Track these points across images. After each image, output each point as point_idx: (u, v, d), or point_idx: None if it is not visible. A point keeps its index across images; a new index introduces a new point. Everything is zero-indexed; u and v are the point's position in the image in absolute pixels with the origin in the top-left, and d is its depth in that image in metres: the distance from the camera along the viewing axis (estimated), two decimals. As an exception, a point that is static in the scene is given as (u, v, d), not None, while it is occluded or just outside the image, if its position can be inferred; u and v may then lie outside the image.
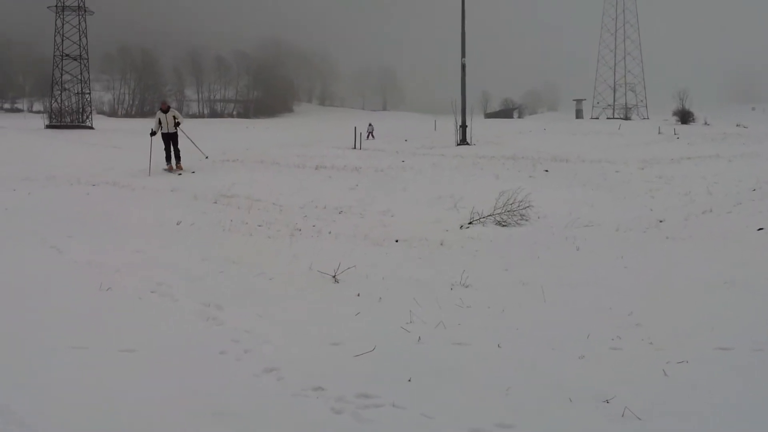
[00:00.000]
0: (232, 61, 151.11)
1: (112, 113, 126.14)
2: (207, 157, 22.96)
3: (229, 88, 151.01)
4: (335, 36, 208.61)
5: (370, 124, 52.59)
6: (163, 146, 21.59)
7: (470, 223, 13.75)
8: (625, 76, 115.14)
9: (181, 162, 21.73)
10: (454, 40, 45.24)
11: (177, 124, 21.74)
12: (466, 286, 8.51)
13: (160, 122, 21.57)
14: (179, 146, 21.84)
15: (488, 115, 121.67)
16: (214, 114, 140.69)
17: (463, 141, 40.29)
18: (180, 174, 20.66)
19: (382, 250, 11.18)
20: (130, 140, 38.92)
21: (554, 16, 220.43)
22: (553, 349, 6.12)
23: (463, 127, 41.17)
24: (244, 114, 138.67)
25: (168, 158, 21.55)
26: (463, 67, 42.12)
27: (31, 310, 6.94)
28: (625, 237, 12.89)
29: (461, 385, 5.24)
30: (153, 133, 21.67)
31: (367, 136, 48.03)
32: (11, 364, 5.42)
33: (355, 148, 35.47)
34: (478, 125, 48.17)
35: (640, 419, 4.66)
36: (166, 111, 21.87)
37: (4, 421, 4.46)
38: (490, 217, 13.89)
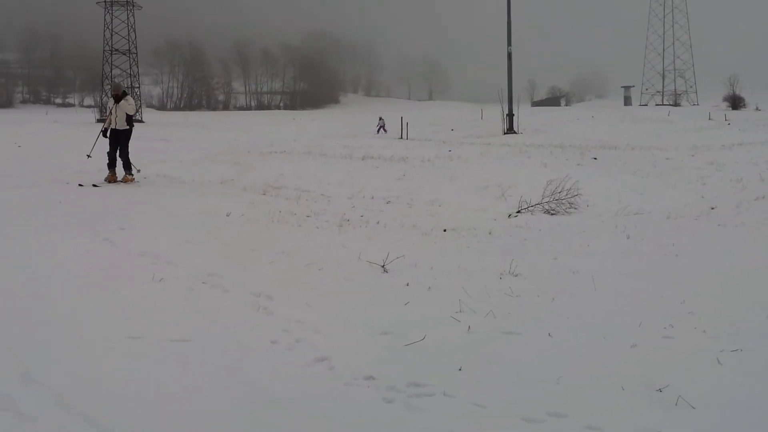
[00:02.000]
0: (278, 53, 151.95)
1: (161, 106, 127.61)
2: (138, 171, 16.85)
3: (276, 80, 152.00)
4: (380, 26, 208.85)
5: (380, 118, 51.92)
6: (108, 148, 16.23)
7: (518, 211, 13.70)
8: (674, 62, 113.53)
9: (131, 172, 16.44)
10: (500, 28, 45.01)
11: (129, 119, 16.37)
12: (515, 275, 8.47)
13: (110, 113, 16.45)
14: (128, 149, 16.37)
15: (535, 104, 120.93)
16: (261, 106, 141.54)
17: (510, 130, 40.14)
18: (123, 182, 16.12)
19: (430, 240, 11.18)
20: (179, 133, 39.35)
21: (601, 1, 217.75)
22: (605, 337, 6.07)
23: (510, 115, 41.01)
24: (291, 106, 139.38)
25: (111, 164, 16.20)
26: (510, 55, 41.93)
27: (87, 301, 7.06)
28: (676, 224, 12.74)
29: (512, 374, 5.21)
30: (105, 132, 16.37)
31: (378, 131, 47.62)
32: (68, 354, 5.51)
33: (401, 138, 35.48)
34: (524, 114, 47.89)
35: (694, 408, 4.61)
36: (118, 99, 16.22)
37: (62, 410, 4.54)
38: (538, 205, 13.82)
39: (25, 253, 9.08)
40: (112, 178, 16.12)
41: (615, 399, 4.81)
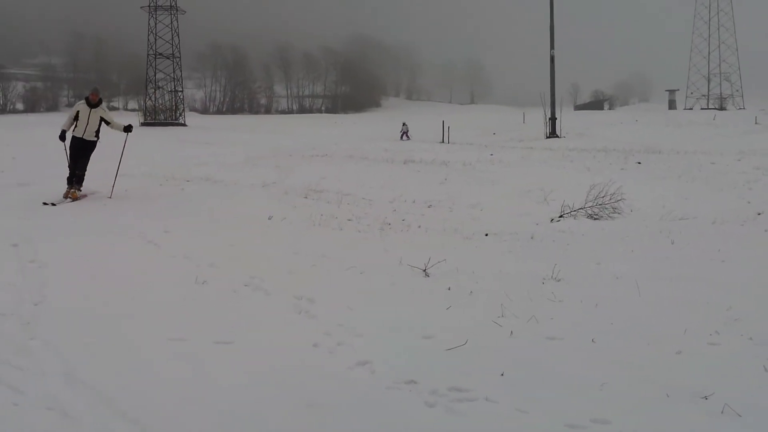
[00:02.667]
0: (320, 57, 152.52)
1: (204, 110, 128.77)
2: (109, 196, 14.38)
3: (317, 83, 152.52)
4: (422, 29, 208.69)
5: (404, 124, 51.46)
6: (69, 159, 14.41)
7: (561, 216, 13.59)
8: (719, 66, 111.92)
9: (80, 187, 14.40)
10: (542, 31, 44.78)
11: (98, 132, 14.55)
12: (558, 280, 8.41)
13: (77, 119, 14.29)
14: (86, 164, 14.51)
15: (578, 107, 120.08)
16: (302, 110, 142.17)
17: (553, 133, 39.96)
18: (69, 201, 13.87)
19: (472, 244, 11.14)
20: (221, 136, 39.67)
21: (645, 4, 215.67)
22: (649, 344, 6.00)
23: (553, 119, 40.83)
24: (332, 109, 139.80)
25: (71, 178, 14.32)
26: (552, 59, 41.75)
27: (131, 303, 7.15)
28: (722, 230, 12.55)
29: (555, 379, 5.17)
30: (62, 136, 14.26)
31: (401, 137, 47.32)
32: (112, 355, 5.59)
33: (442, 142, 35.46)
34: (567, 117, 47.56)
35: (740, 416, 4.54)
36: (94, 105, 14.35)
37: (106, 410, 4.60)
38: (581, 210, 13.70)
39: (70, 256, 9.22)
40: (73, 194, 14.02)
41: (660, 406, 4.76)
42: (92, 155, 14.60)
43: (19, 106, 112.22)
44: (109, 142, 14.90)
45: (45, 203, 13.16)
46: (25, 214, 12.83)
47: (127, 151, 15.50)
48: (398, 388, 5.00)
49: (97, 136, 14.53)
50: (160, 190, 16.03)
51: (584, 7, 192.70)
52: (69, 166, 14.37)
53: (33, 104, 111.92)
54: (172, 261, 8.98)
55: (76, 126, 14.27)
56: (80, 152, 14.34)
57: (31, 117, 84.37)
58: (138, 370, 5.29)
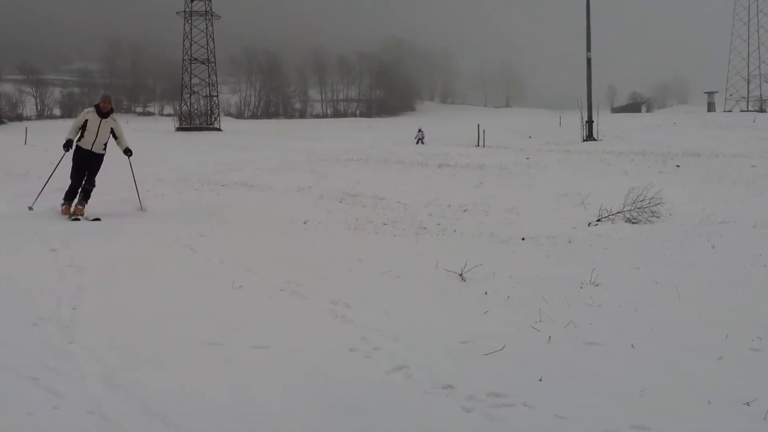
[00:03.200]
0: (354, 61, 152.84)
1: (239, 115, 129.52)
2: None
3: (352, 87, 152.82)
4: (456, 32, 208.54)
5: (420, 130, 50.94)
6: (73, 172, 13.13)
7: (598, 220, 13.47)
8: (759, 67, 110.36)
9: (87, 203, 13.12)
10: (579, 33, 44.55)
11: (105, 146, 13.31)
12: (596, 285, 8.33)
13: (84, 129, 13.00)
14: (95, 178, 13.28)
15: (615, 110, 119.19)
16: (337, 114, 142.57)
17: (590, 137, 39.72)
18: (76, 219, 12.55)
19: (508, 248, 11.07)
20: (256, 141, 39.90)
21: (683, 5, 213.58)
22: (690, 349, 5.91)
23: (590, 122, 40.59)
24: (367, 113, 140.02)
25: (72, 194, 13.10)
26: (589, 61, 41.48)
27: (169, 307, 7.19)
28: (763, 234, 12.37)
29: (594, 385, 5.11)
30: (68, 146, 13.02)
31: (417, 142, 47.07)
32: (151, 359, 5.61)
33: (478, 145, 35.37)
34: (604, 120, 47.26)
35: (784, 423, 4.46)
36: (105, 114, 13.05)
37: (145, 415, 4.61)
38: (619, 214, 13.57)
39: (107, 260, 9.30)
40: (67, 211, 12.92)
41: (701, 412, 4.68)
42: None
43: (57, 111, 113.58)
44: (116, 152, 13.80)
45: (31, 208, 13.09)
46: (63, 219, 12.99)
47: (137, 174, 14.46)
48: (435, 393, 4.97)
49: (105, 148, 13.29)
50: (195, 194, 16.13)
51: (621, 9, 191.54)
52: (71, 180, 13.02)
53: (70, 109, 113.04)
54: (208, 265, 9.02)
55: (82, 136, 12.93)
56: (87, 166, 13.03)
57: (68, 122, 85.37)
58: (175, 374, 5.31)
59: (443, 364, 5.48)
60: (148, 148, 35.21)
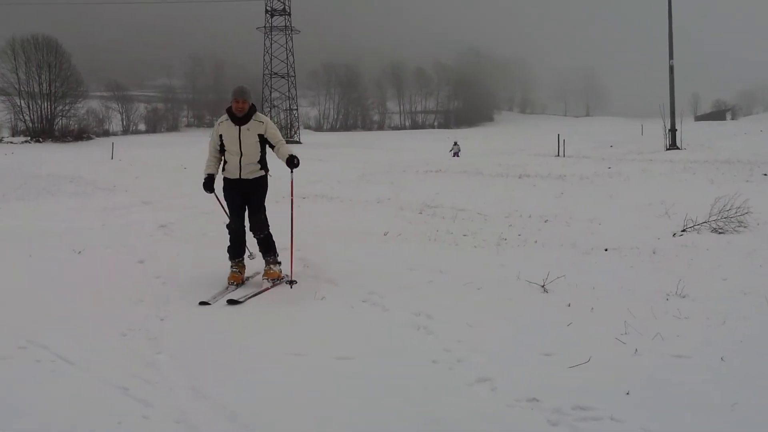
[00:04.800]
0: (432, 72, 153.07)
1: (318, 128, 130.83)
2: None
3: (430, 99, 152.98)
4: (535, 42, 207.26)
5: (455, 143, 50.25)
6: (226, 212, 9.16)
7: (683, 230, 13.16)
8: None
9: (276, 257, 9.14)
10: (661, 40, 43.76)
11: (262, 162, 8.97)
12: (683, 296, 8.14)
13: (221, 150, 8.88)
14: (264, 215, 9.09)
15: (698, 118, 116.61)
16: (414, 125, 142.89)
17: (673, 145, 38.96)
18: (268, 284, 8.78)
19: (590, 259, 10.91)
20: (335, 153, 40.26)
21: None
22: (783, 363, 5.74)
23: (673, 130, 39.80)
24: (445, 124, 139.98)
25: (237, 248, 9.05)
26: (671, 69, 40.71)
27: (254, 319, 7.32)
28: None
29: (683, 399, 4.99)
30: (209, 185, 8.88)
31: (453, 156, 46.43)
32: (235, 370, 5.70)
33: (558, 155, 35.03)
34: (688, 128, 46.25)
35: None
36: (243, 119, 8.73)
37: (231, 425, 4.69)
38: (704, 224, 13.23)
39: (191, 270, 9.51)
40: (238, 278, 8.85)
41: (796, 428, 4.54)
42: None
43: (141, 126, 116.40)
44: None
45: (202, 303, 7.87)
46: (149, 231, 13.31)
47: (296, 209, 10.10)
48: (520, 405, 4.93)
49: (263, 166, 8.97)
50: (275, 207, 16.32)
51: (705, 15, 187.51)
52: (230, 227, 8.95)
53: (154, 125, 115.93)
54: (296, 276, 9.12)
55: (225, 162, 8.81)
56: (244, 199, 8.88)
57: (153, 137, 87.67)
58: (260, 385, 5.38)
59: (527, 377, 5.43)
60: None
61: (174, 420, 4.72)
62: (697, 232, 12.93)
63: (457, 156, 46.61)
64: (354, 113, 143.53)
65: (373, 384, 5.35)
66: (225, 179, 8.88)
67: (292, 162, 8.77)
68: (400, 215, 15.45)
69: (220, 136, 8.76)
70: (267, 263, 9.00)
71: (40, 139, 72.07)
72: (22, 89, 78.02)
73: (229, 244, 8.97)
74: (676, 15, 41.15)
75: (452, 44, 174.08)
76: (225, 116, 8.78)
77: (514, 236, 13.13)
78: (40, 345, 6.26)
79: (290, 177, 9.20)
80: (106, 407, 4.91)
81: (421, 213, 15.93)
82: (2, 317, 7.23)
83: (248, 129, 8.70)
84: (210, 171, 8.81)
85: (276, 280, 8.84)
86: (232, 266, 8.94)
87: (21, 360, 5.89)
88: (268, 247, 8.99)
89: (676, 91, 41.77)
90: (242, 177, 8.78)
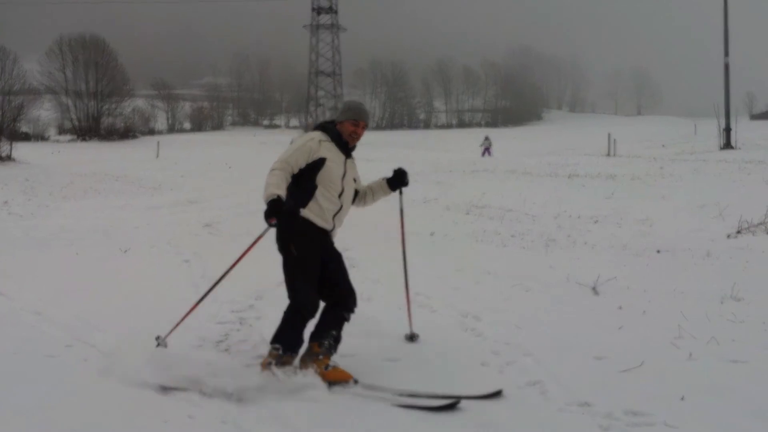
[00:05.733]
0: (480, 70, 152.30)
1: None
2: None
3: (477, 97, 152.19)
4: (585, 39, 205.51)
5: (486, 138, 49.19)
6: (302, 280, 5.58)
7: (738, 232, 12.89)
8: None
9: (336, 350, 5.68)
10: (716, 37, 43.09)
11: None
12: (738, 300, 7.96)
13: (313, 177, 5.66)
14: (350, 286, 5.86)
15: (754, 117, 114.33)
16: (461, 124, 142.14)
17: (727, 145, 38.32)
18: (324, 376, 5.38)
19: (642, 261, 10.74)
20: (381, 152, 40.17)
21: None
22: None
23: (727, 130, 39.14)
24: (492, 123, 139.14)
25: (292, 344, 5.51)
26: (727, 67, 39.99)
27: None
28: None
29: (740, 405, 4.85)
30: (277, 207, 5.24)
31: (483, 153, 45.75)
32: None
33: (608, 155, 34.63)
34: (743, 128, 45.53)
35: None
36: (350, 153, 6.02)
37: (279, 426, 4.66)
38: (760, 225, 12.95)
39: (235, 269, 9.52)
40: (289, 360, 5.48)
41: None
42: None
43: (187, 125, 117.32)
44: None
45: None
46: (194, 230, 13.40)
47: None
48: (571, 410, 4.83)
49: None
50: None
51: (762, 11, 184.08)
52: (305, 301, 5.60)
53: (199, 123, 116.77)
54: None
55: (311, 198, 5.67)
56: (329, 260, 5.81)
57: (198, 136, 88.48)
58: (301, 387, 5.30)
59: (578, 381, 5.33)
60: (275, 161, 35.94)
61: (220, 420, 4.71)
62: (753, 234, 12.66)
63: (489, 153, 46.13)
64: (400, 112, 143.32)
65: (421, 387, 5.28)
66: (308, 223, 5.65)
67: (403, 178, 6.39)
68: (447, 215, 15.38)
69: (323, 160, 5.68)
70: (328, 353, 5.60)
71: (87, 138, 72.93)
72: (69, 88, 78.98)
73: (291, 326, 5.58)
74: (732, 12, 40.48)
75: (501, 42, 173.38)
76: (326, 137, 5.82)
77: (564, 237, 12.99)
78: (87, 343, 6.30)
79: (399, 201, 6.91)
80: (152, 407, 4.90)
81: (467, 213, 15.83)
82: (50, 315, 7.31)
83: (353, 166, 6.10)
84: (278, 191, 5.37)
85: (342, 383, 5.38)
86: (277, 348, 5.50)
87: (68, 358, 5.93)
88: (338, 339, 5.74)
89: (731, 90, 41.07)
90: (333, 229, 5.90)
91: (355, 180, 6.10)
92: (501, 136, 69.21)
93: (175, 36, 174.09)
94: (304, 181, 5.61)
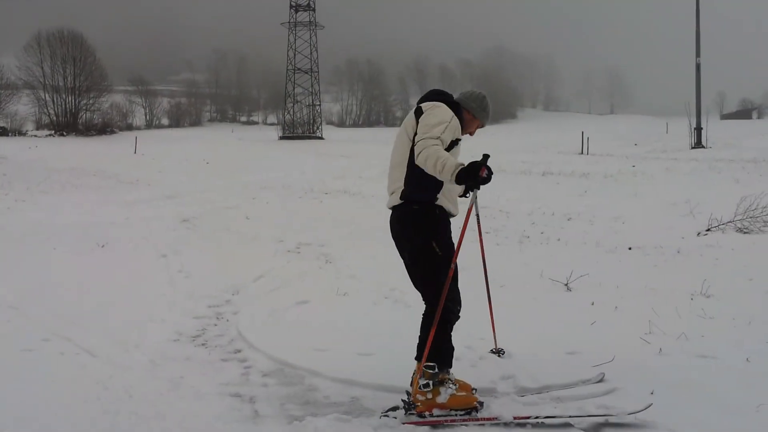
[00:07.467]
0: (455, 69, 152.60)
1: (341, 123, 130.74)
2: None
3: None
4: (559, 39, 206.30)
5: None
6: (455, 288, 5.32)
7: (708, 230, 13.06)
8: None
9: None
10: (687, 38, 43.52)
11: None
12: (708, 296, 8.08)
13: (465, 176, 4.46)
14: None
15: (724, 116, 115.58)
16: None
17: (698, 144, 38.71)
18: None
19: (614, 258, 10.86)
20: (358, 149, 40.27)
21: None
22: (809, 365, 5.67)
23: (698, 129, 39.54)
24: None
25: (452, 351, 5.11)
26: (698, 67, 40.40)
27: (277, 314, 7.33)
28: None
29: (708, 399, 4.94)
30: (477, 168, 4.47)
31: None
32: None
33: (582, 153, 34.87)
34: (713, 127, 45.97)
35: None
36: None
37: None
38: (730, 223, 13.13)
39: (211, 265, 9.54)
40: (466, 387, 5.06)
41: (822, 432, 4.48)
42: None
43: (164, 121, 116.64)
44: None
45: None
46: (172, 226, 13.39)
47: None
48: (544, 403, 4.90)
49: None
50: (298, 202, 16.35)
51: (732, 13, 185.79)
52: (454, 308, 5.30)
53: (177, 119, 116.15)
54: (318, 272, 9.14)
55: (437, 184, 5.12)
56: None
57: (176, 131, 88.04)
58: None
59: (551, 375, 5.40)
60: (253, 157, 35.95)
61: (229, 394, 4.76)
62: (722, 232, 12.83)
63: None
64: (377, 109, 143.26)
65: (392, 381, 5.35)
66: (444, 214, 5.24)
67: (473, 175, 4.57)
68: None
69: (458, 141, 5.21)
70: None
71: (64, 133, 72.47)
72: (47, 83, 78.47)
73: (443, 338, 5.12)
74: (704, 13, 40.84)
75: (476, 41, 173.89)
76: (457, 121, 5.13)
77: (537, 234, 13.09)
78: (64, 337, 6.31)
79: (473, 206, 5.40)
80: (129, 398, 4.93)
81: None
82: (27, 310, 7.30)
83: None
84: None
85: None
86: (436, 371, 4.93)
87: (45, 352, 5.94)
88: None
89: (702, 90, 41.46)
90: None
91: None
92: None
93: (152, 32, 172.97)
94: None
